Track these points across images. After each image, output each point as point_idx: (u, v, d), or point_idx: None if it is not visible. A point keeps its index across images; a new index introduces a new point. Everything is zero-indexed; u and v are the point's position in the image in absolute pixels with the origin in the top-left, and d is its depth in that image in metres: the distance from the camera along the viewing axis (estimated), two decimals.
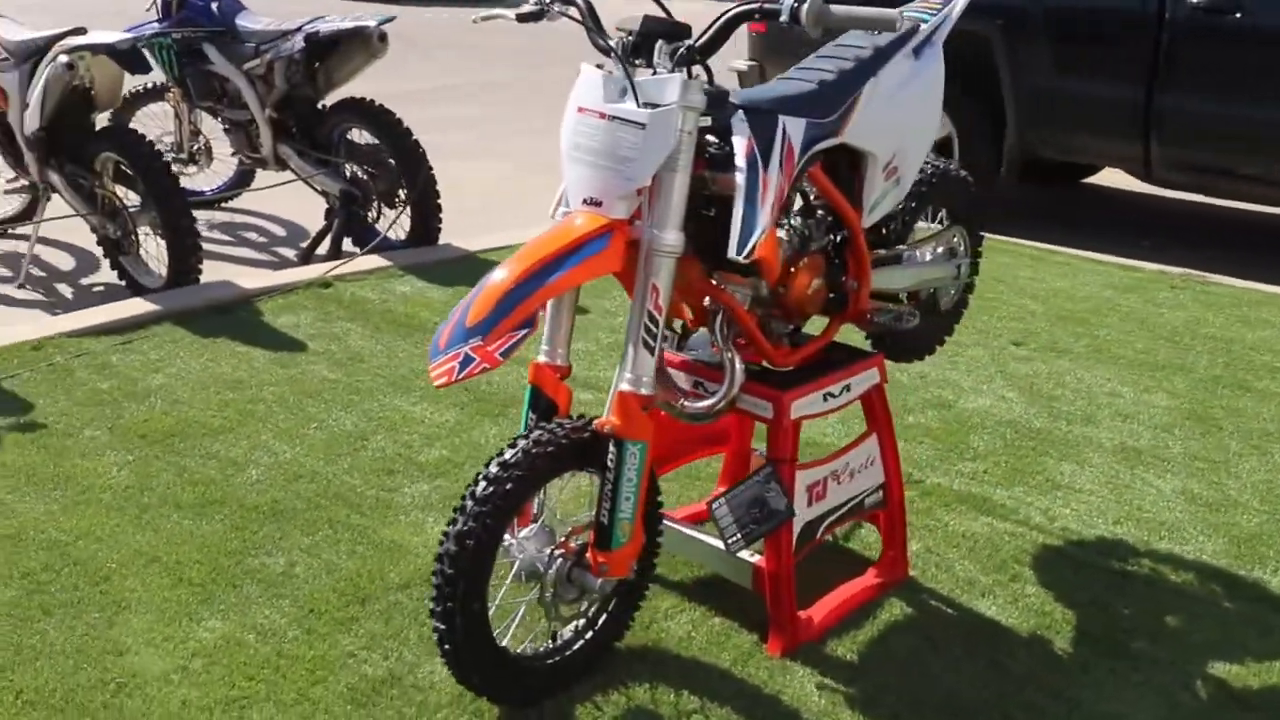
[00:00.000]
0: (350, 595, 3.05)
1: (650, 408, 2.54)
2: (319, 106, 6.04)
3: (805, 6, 2.35)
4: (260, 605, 3.01)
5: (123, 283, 5.44)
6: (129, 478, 3.62)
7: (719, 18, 2.45)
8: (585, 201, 2.48)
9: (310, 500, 3.51)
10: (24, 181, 5.72)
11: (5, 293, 5.55)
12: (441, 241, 5.96)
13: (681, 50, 2.43)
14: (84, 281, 5.74)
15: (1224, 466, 3.83)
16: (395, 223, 5.99)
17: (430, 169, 5.77)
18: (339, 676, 2.74)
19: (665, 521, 3.06)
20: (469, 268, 5.63)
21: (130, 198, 5.36)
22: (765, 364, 2.89)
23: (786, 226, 2.84)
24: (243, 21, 5.99)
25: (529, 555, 2.58)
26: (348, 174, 5.99)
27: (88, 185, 5.32)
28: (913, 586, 3.13)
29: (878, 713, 2.66)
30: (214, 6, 6.02)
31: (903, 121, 2.91)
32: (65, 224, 5.71)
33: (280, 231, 6.68)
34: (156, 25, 6.09)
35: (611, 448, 2.51)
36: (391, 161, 5.88)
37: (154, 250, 5.36)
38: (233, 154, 6.42)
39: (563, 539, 2.60)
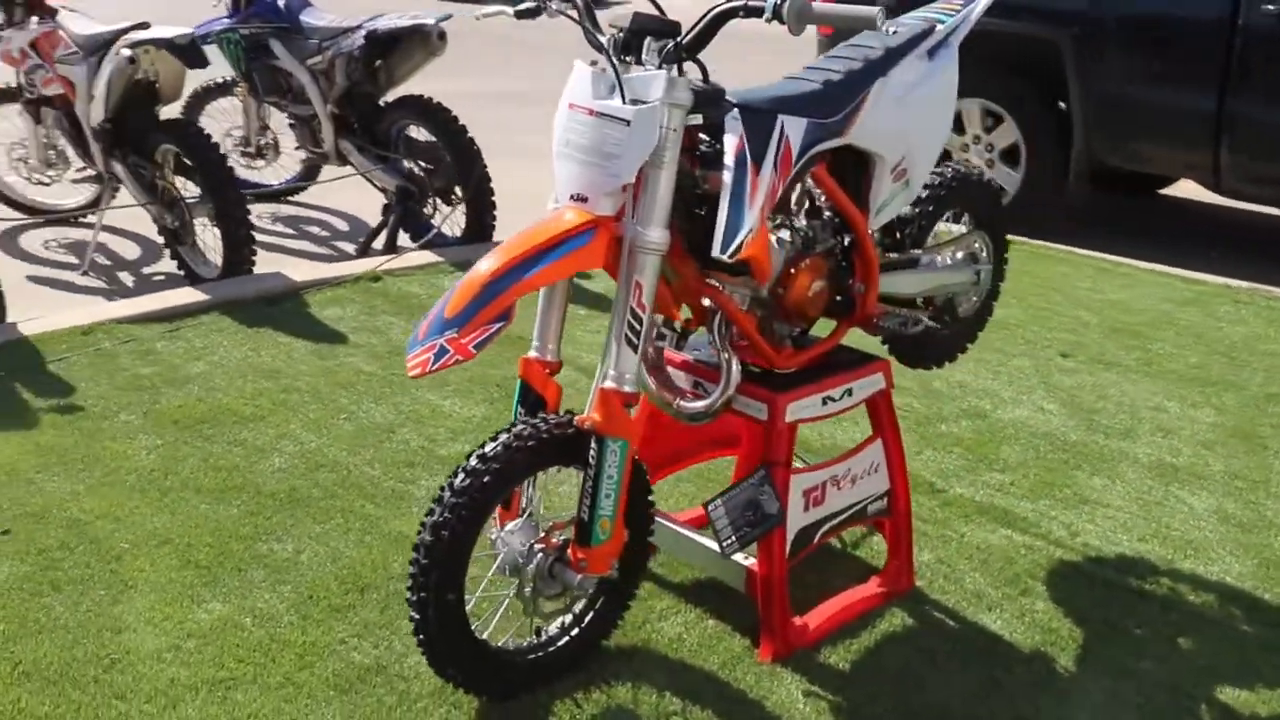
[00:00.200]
0: (351, 584, 3.07)
1: (635, 405, 2.52)
2: (380, 103, 6.10)
3: (787, 4, 2.32)
4: (262, 590, 3.04)
5: (181, 272, 5.55)
6: (155, 461, 3.68)
7: (705, 15, 2.43)
8: (572, 197, 2.47)
9: (328, 489, 3.54)
10: (91, 171, 5.86)
11: (68, 279, 5.69)
12: (496, 239, 5.99)
13: (669, 47, 2.41)
14: (145, 270, 5.86)
15: (1264, 486, 3.71)
16: (450, 219, 6.04)
17: (485, 166, 5.80)
18: (327, 662, 2.76)
19: (666, 523, 3.05)
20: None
21: (189, 189, 5.46)
22: (766, 365, 2.85)
23: (789, 227, 2.80)
24: (307, 18, 6.08)
25: (513, 549, 2.58)
26: (406, 170, 6.05)
27: (149, 176, 5.43)
28: (917, 597, 3.07)
29: None
30: (280, 3, 6.12)
31: (912, 123, 2.86)
32: (132, 214, 5.83)
33: (343, 226, 6.76)
34: (226, 21, 6.21)
35: (593, 444, 2.49)
36: (448, 158, 5.93)
37: (211, 241, 5.46)
38: (296, 148, 6.52)
39: (543, 534, 2.60)
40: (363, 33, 5.80)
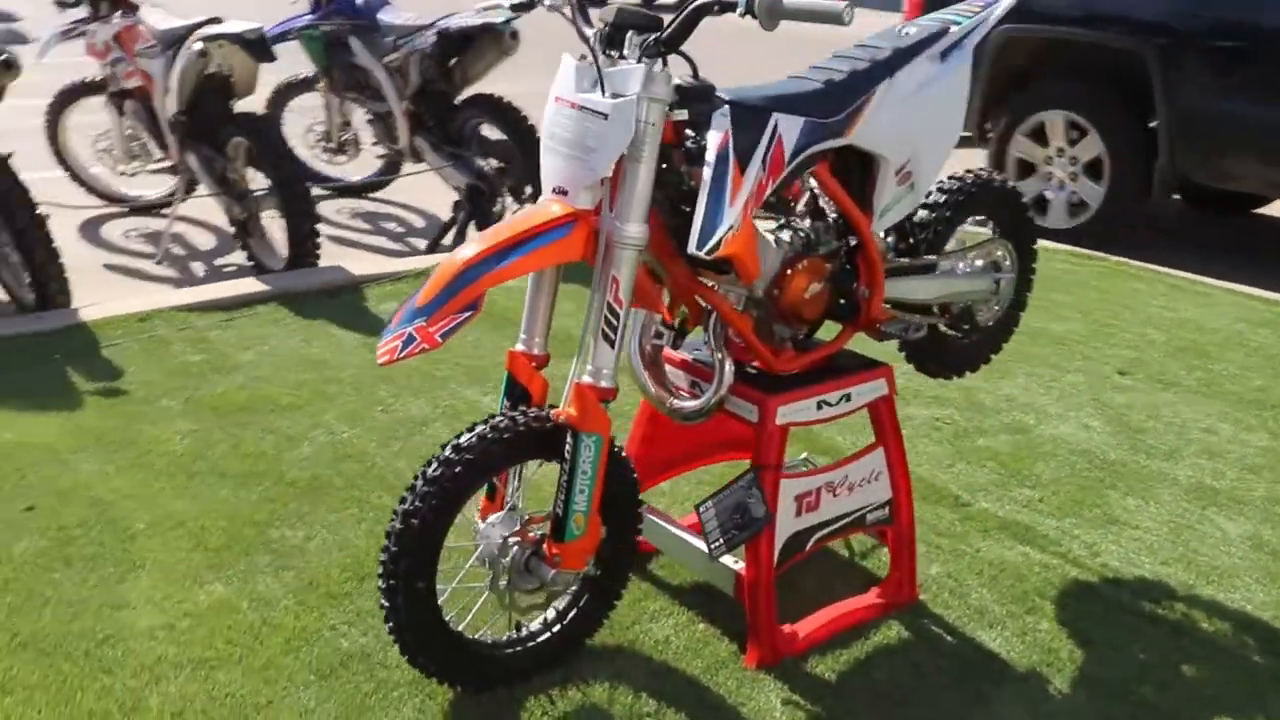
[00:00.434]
0: (352, 572, 3.10)
1: (611, 400, 2.50)
2: (454, 101, 6.17)
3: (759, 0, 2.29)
4: (265, 574, 3.08)
5: (250, 263, 5.67)
6: (187, 446, 3.76)
7: (682, 10, 2.40)
8: (555, 190, 2.47)
9: (349, 479, 3.58)
10: (168, 163, 6.02)
11: (141, 268, 5.84)
12: None
13: (649, 42, 2.39)
14: (217, 262, 6.00)
15: None
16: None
17: None
18: (313, 647, 2.79)
19: (664, 524, 3.02)
20: (580, 265, 5.64)
21: (260, 181, 5.58)
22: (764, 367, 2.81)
23: (788, 227, 2.76)
24: (385, 16, 6.18)
25: (492, 541, 2.58)
26: (478, 168, 6.10)
27: (220, 168, 5.56)
28: (918, 610, 3.00)
29: None
30: (359, 1, 6.22)
31: (919, 125, 2.80)
32: (208, 206, 5.97)
33: (419, 222, 6.85)
34: (308, 18, 6.34)
35: (568, 439, 2.48)
36: (520, 156, 5.97)
37: (279, 233, 5.56)
38: (373, 144, 6.62)
39: (518, 527, 2.59)
40: (434, 31, 5.88)
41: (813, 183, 2.81)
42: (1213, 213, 7.47)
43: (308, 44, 6.35)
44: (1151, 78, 6.16)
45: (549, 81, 2.49)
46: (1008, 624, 2.95)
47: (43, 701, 2.60)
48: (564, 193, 2.44)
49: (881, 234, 2.98)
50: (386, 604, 2.47)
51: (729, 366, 2.68)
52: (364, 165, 7.07)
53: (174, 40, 5.49)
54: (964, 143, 7.20)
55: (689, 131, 2.51)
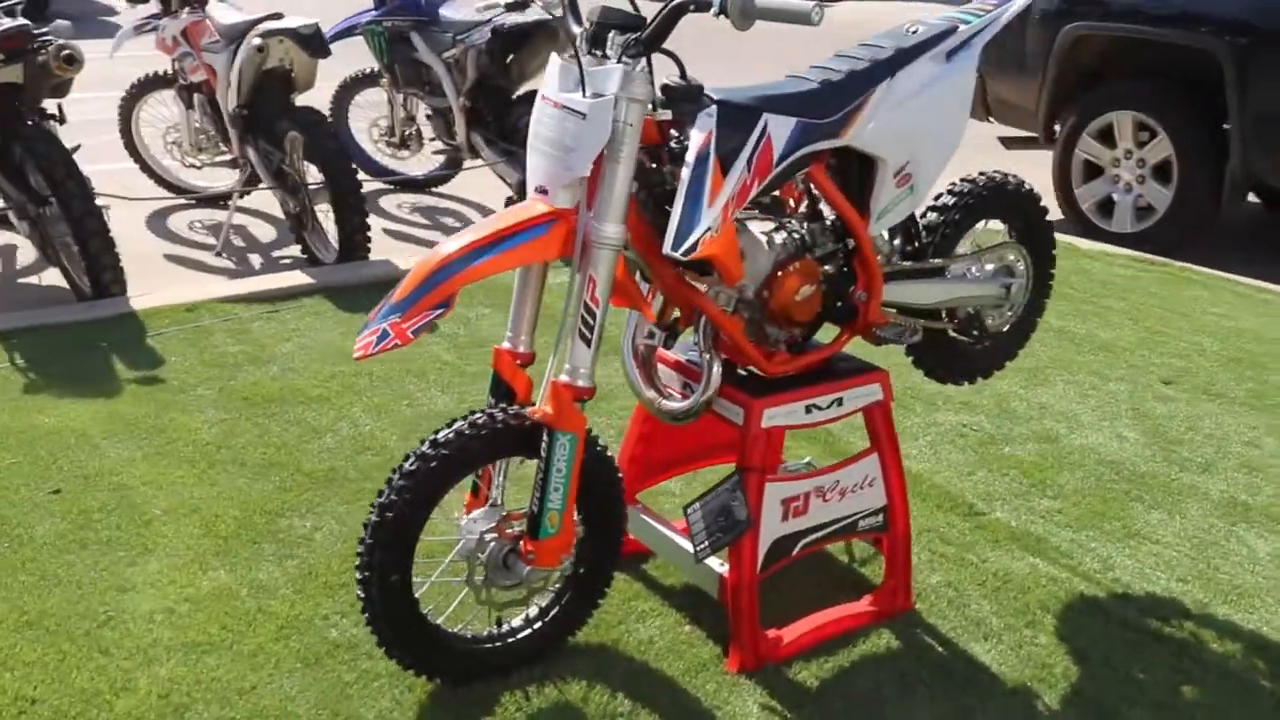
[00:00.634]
0: (352, 563, 3.11)
1: (587, 399, 2.50)
2: (511, 97, 6.21)
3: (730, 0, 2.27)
4: (269, 562, 3.14)
5: (305, 256, 5.76)
6: (213, 435, 3.83)
7: (661, 10, 2.39)
8: (537, 189, 2.47)
9: (365, 471, 3.63)
10: (230, 156, 6.14)
11: (201, 259, 5.96)
12: None
13: (630, 41, 2.39)
14: (275, 254, 6.10)
15: None
16: None
17: None
18: (303, 636, 2.83)
19: (657, 525, 3.01)
20: None
21: (316, 175, 5.67)
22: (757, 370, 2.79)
23: (781, 229, 2.74)
24: (446, 11, 6.23)
25: (472, 536, 2.60)
26: None
27: (276, 161, 5.65)
28: (912, 620, 2.95)
29: None
30: None
31: (920, 127, 2.76)
32: (270, 199, 6.08)
33: (476, 217, 6.89)
34: (372, 14, 6.42)
35: (544, 437, 2.49)
36: None
37: (332, 227, 5.64)
38: (431, 139, 6.68)
39: (495, 523, 2.60)
40: (489, 27, 5.91)
41: (807, 183, 2.78)
42: None
43: (371, 39, 6.43)
44: (1225, 77, 5.99)
45: None
46: (1004, 637, 2.90)
47: (39, 679, 2.67)
48: (544, 191, 2.45)
49: (885, 236, 2.94)
50: (363, 595, 2.50)
51: (717, 368, 2.67)
52: (428, 160, 7.14)
53: (236, 35, 5.60)
54: (1031, 144, 7.08)
55: (674, 132, 2.50)
